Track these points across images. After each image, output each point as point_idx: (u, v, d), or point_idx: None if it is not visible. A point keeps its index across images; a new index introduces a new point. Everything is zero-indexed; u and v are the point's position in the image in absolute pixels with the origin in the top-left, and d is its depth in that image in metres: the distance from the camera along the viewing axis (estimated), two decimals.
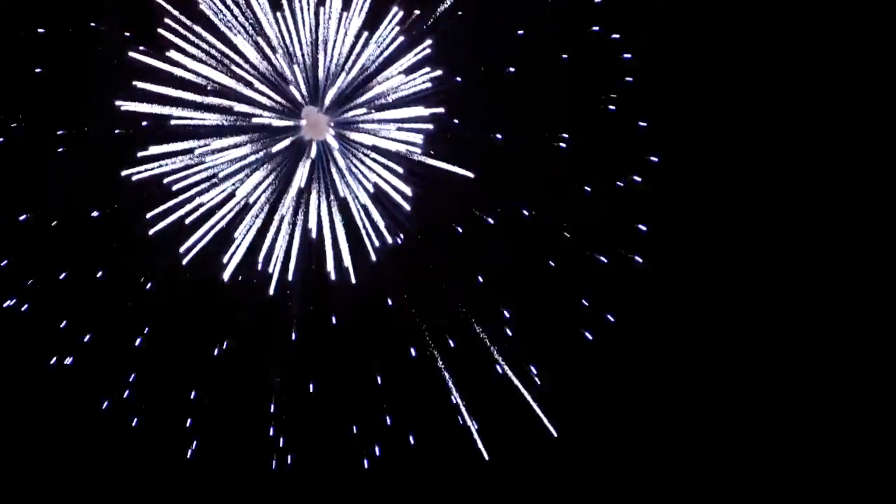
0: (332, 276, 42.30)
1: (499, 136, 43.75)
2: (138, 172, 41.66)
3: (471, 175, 42.69)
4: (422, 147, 43.21)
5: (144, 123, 41.21)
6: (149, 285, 42.38)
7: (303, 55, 44.87)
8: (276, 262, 42.62)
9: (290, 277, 42.30)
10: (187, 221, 42.07)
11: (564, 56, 44.09)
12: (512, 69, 43.76)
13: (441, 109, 42.66)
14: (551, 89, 43.61)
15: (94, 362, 42.98)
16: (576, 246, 44.02)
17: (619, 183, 43.90)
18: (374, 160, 43.69)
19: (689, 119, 43.00)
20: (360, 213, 43.90)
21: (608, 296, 44.25)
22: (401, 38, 42.87)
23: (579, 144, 43.35)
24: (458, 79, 43.71)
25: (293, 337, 42.75)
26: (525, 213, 44.34)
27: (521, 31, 42.75)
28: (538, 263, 44.32)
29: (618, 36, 43.12)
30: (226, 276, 42.14)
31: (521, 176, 44.01)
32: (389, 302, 43.59)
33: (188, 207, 42.30)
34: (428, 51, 43.10)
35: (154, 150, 41.86)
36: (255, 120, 42.43)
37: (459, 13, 44.06)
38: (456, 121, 43.16)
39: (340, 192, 43.55)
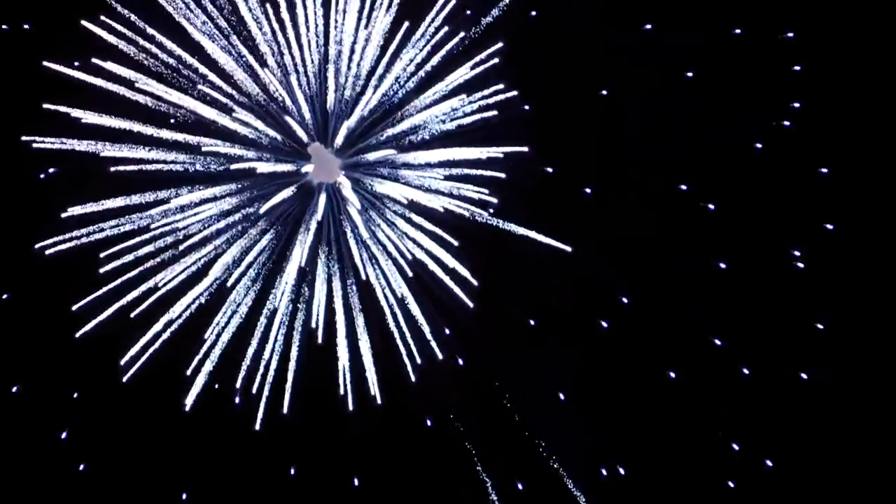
0: (350, 406, 31.19)
1: (587, 190, 32.53)
2: (59, 243, 30.83)
3: (567, 249, 30.79)
4: (495, 206, 31.05)
5: (52, 171, 31.07)
6: (64, 434, 31.65)
7: (306, 69, 32.41)
8: (265, 380, 31.28)
9: (285, 407, 31.25)
10: (132, 315, 31.04)
11: (689, 73, 32.52)
12: (605, 91, 32.87)
13: (525, 149, 30.50)
14: (672, 116, 32.73)
15: None
16: (714, 352, 32.06)
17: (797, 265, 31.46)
18: (415, 224, 31.98)
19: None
20: (392, 310, 31.61)
21: (763, 428, 31.86)
22: (460, 36, 31.27)
23: (720, 202, 32.00)
24: (526, 107, 32.17)
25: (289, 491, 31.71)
26: (625, 300, 32.52)
27: (644, 26, 32.24)
28: (660, 380, 32.37)
29: (792, 34, 31.22)
30: (188, 400, 31.23)
31: (634, 251, 32.43)
32: (434, 439, 32.15)
33: (133, 295, 31.07)
34: (495, 60, 31.33)
35: (83, 209, 30.95)
36: (236, 165, 31.47)
37: (533, 13, 32.67)
38: (550, 169, 31.61)
39: (363, 274, 31.99)
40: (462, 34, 31.27)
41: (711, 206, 31.58)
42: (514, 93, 31.17)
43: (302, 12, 31.75)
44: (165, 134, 31.40)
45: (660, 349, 32.41)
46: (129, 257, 31.31)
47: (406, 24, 31.17)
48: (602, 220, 31.94)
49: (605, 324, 32.02)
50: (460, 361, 32.08)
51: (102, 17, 30.98)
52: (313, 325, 31.69)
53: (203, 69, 31.90)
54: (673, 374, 32.23)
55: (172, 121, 31.11)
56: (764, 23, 31.95)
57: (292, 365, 31.62)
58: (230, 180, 32.48)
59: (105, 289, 30.99)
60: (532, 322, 32.01)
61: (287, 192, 32.45)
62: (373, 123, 33.11)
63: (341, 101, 32.83)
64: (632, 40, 32.76)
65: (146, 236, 31.37)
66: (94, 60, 30.21)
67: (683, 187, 32.49)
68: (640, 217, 32.50)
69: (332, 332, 31.84)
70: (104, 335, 31.13)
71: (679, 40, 32.59)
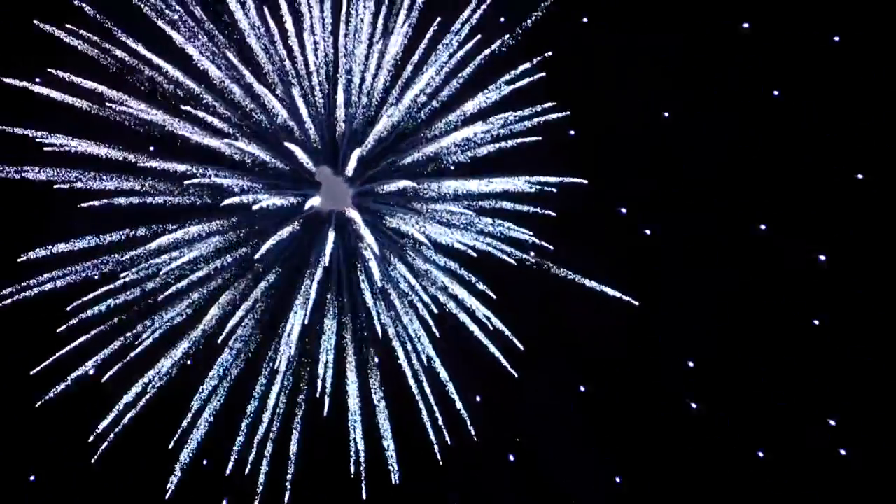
0: (363, 491, 26.28)
1: (647, 231, 27.81)
2: (14, 293, 26.32)
3: (635, 302, 26.39)
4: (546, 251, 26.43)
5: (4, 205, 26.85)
6: None
7: (311, 83, 27.70)
8: (262, 458, 26.60)
9: (286, 496, 26.36)
10: (103, 380, 26.56)
11: (775, 91, 27.38)
12: (667, 113, 28.16)
13: (583, 181, 26.30)
14: (755, 145, 27.52)
15: None
16: (809, 428, 26.59)
17: None
18: (443, 268, 27.07)
19: None
20: (416, 375, 26.55)
21: None
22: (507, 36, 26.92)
23: (814, 247, 26.63)
24: (572, 132, 27.68)
25: None
26: (693, 364, 27.53)
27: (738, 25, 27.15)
28: (746, 462, 26.91)
29: None
30: (170, 485, 26.62)
31: (711, 303, 26.87)
32: None
33: (103, 355, 26.45)
34: (540, 74, 26.83)
35: (43, 252, 26.49)
36: (230, 200, 26.58)
37: (584, 19, 28.19)
38: (624, 210, 27.62)
39: (378, 329, 26.90)
40: (506, 38, 26.87)
41: (822, 257, 26.02)
42: (566, 113, 26.31)
43: (308, 23, 27.99)
44: (146, 161, 27.07)
45: (745, 425, 27.27)
46: (99, 309, 27.02)
47: (439, 19, 26.98)
48: (673, 267, 27.37)
49: (685, 399, 26.60)
50: (496, 439, 27.03)
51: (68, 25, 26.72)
52: (318, 392, 27.03)
53: (190, 84, 27.65)
54: (761, 454, 26.80)
55: (153, 147, 26.07)
56: (871, 28, 26.43)
57: (294, 441, 27.05)
58: (222, 215, 27.99)
59: (69, 348, 26.75)
60: (583, 388, 26.63)
61: (290, 229, 27.46)
62: (387, 148, 28.81)
63: (353, 123, 27.82)
64: (707, 49, 27.87)
65: (118, 283, 27.01)
66: (55, 71, 26.26)
67: (763, 227, 27.69)
68: (717, 263, 27.71)
69: (341, 401, 27.28)
70: (69, 404, 27.28)
71: (765, 49, 27.63)
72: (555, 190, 25.64)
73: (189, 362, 27.25)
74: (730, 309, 27.38)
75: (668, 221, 27.84)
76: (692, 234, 27.73)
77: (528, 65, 26.85)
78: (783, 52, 27.53)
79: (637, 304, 25.84)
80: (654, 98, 28.21)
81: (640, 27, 28.18)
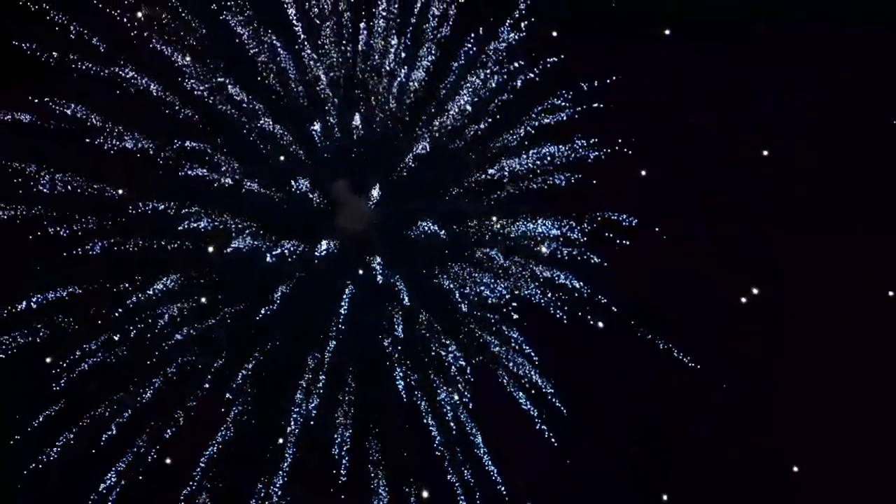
0: None
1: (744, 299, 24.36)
2: None
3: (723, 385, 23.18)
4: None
5: None
6: None
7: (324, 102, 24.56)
8: None
9: None
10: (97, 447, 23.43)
11: None
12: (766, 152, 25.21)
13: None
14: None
15: None
16: None
17: None
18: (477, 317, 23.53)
19: None
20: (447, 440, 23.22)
21: None
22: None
23: None
24: (643, 172, 24.65)
25: None
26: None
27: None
28: None
29: None
30: None
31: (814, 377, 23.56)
32: None
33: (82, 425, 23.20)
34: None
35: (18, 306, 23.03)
36: (232, 247, 23.60)
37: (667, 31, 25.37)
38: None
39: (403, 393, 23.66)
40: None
41: None
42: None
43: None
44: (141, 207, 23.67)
45: None
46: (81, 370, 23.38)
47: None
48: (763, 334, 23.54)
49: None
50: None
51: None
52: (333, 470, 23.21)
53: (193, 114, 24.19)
54: None
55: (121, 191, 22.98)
56: None
57: None
58: (219, 264, 24.35)
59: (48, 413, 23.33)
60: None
61: (298, 278, 24.04)
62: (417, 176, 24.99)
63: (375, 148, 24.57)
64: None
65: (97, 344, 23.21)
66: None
67: (892, 293, 23.80)
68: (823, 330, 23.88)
69: (361, 470, 23.60)
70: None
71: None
72: (620, 239, 21.59)
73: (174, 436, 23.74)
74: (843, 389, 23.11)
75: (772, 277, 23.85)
76: (803, 293, 23.60)
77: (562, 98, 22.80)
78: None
79: (725, 385, 21.74)
80: (753, 130, 24.41)
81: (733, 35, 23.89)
